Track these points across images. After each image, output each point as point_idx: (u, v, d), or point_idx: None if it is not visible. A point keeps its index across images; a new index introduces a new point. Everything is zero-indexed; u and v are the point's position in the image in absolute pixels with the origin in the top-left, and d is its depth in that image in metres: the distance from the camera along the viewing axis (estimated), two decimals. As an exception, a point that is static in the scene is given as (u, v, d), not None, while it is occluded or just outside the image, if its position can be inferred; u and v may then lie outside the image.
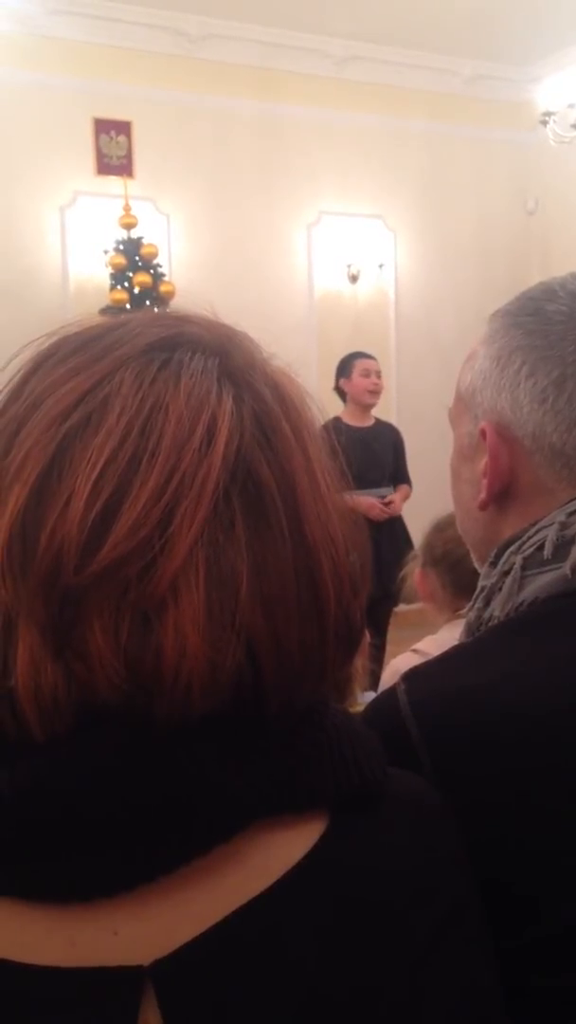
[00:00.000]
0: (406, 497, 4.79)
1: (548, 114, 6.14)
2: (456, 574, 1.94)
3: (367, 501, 4.43)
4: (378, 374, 4.76)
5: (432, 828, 0.59)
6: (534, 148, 6.93)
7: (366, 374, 4.70)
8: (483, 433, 0.84)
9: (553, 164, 6.79)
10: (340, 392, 4.76)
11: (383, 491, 4.68)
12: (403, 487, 4.83)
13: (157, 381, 0.52)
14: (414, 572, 2.11)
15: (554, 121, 6.09)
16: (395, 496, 4.71)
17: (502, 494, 0.85)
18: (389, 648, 4.26)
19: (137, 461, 0.49)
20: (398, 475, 4.85)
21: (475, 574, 0.89)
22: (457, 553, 1.90)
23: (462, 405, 0.90)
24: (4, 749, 0.50)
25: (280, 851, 0.53)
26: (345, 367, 4.76)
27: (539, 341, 0.81)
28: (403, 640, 2.84)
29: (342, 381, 4.75)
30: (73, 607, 0.48)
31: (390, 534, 4.51)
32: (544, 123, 6.16)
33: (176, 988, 0.48)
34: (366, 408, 4.76)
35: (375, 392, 4.75)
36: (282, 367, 0.59)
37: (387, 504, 4.60)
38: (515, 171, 7.13)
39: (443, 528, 2.00)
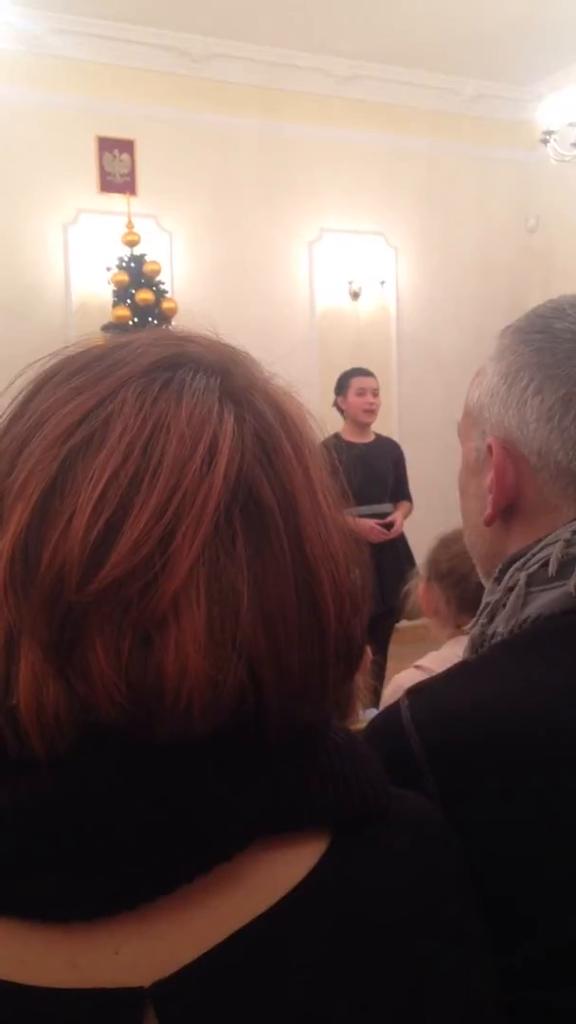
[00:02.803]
0: (407, 514, 4.77)
1: (549, 133, 6.15)
2: (461, 590, 1.94)
3: (366, 524, 4.41)
4: (374, 392, 4.73)
5: (434, 847, 0.59)
6: (535, 166, 6.95)
7: (361, 393, 4.69)
8: (490, 449, 0.85)
9: (554, 182, 6.82)
10: (338, 409, 4.77)
11: (384, 507, 4.66)
12: (404, 504, 4.81)
13: (159, 401, 0.52)
14: (418, 587, 2.11)
15: (555, 140, 6.10)
16: (396, 515, 4.69)
17: (507, 510, 0.85)
18: (390, 664, 4.25)
19: (139, 480, 0.49)
20: (399, 491, 4.84)
21: (480, 590, 0.89)
22: (463, 569, 1.90)
23: (470, 420, 0.90)
24: (5, 767, 0.49)
25: (281, 871, 0.53)
26: (341, 385, 4.75)
27: (547, 359, 0.82)
28: (403, 657, 2.83)
29: (339, 399, 4.75)
30: (75, 625, 0.48)
31: (392, 551, 4.50)
32: (545, 142, 6.17)
33: (177, 1009, 0.48)
34: (364, 425, 4.76)
35: (370, 411, 4.73)
36: (283, 386, 0.60)
37: (387, 526, 4.59)
38: (516, 189, 7.15)
39: (449, 543, 2.00)
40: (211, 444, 0.51)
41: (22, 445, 0.52)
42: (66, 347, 0.58)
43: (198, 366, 0.55)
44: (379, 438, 4.87)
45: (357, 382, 4.71)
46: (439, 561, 2.02)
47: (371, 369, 4.87)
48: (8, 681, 0.49)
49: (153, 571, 0.48)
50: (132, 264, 5.59)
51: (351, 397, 4.69)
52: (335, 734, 0.57)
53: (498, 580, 0.84)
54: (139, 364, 0.55)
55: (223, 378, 0.55)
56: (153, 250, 5.76)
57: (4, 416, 0.55)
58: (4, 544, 0.49)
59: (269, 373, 0.60)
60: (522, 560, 0.82)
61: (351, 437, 4.66)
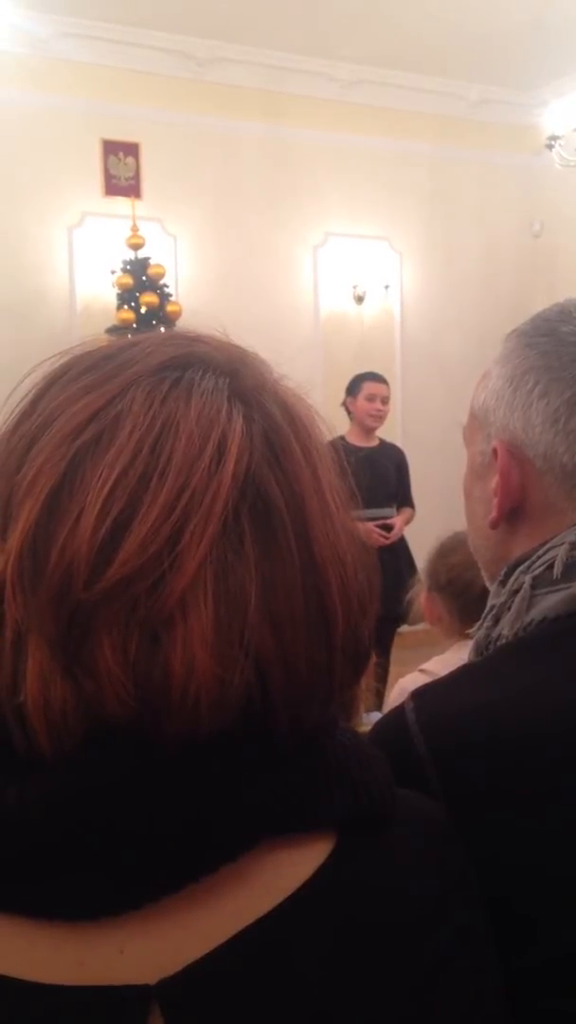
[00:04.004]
0: (408, 520, 4.78)
1: (554, 138, 6.16)
2: (462, 601, 1.93)
3: (366, 527, 4.41)
4: (384, 400, 4.75)
5: (440, 849, 0.59)
6: (540, 172, 6.96)
7: (371, 399, 4.70)
8: (495, 452, 0.85)
9: (558, 187, 6.82)
10: (346, 409, 4.78)
11: (385, 511, 4.67)
12: (406, 510, 4.82)
13: (168, 400, 0.53)
14: (420, 595, 2.11)
15: (559, 145, 6.11)
16: (396, 520, 4.70)
17: (512, 513, 0.85)
18: (392, 668, 4.25)
19: (147, 478, 0.50)
20: (401, 497, 4.84)
21: (481, 600, 0.89)
22: (463, 580, 1.90)
23: (475, 424, 0.90)
24: (13, 765, 0.50)
25: (287, 871, 0.53)
26: (353, 387, 4.77)
27: (553, 362, 0.82)
28: (406, 660, 2.83)
29: (348, 400, 4.76)
30: (82, 623, 0.48)
31: (392, 555, 4.50)
32: (550, 147, 6.19)
33: (182, 1007, 0.48)
34: (370, 430, 4.76)
35: (377, 418, 4.74)
36: (292, 388, 0.60)
37: (387, 529, 4.59)
38: (521, 194, 7.16)
39: (447, 554, 2.00)
40: (220, 443, 0.51)
41: (31, 443, 0.52)
42: (74, 347, 0.58)
43: (207, 366, 0.56)
44: (383, 443, 4.88)
45: (369, 387, 4.72)
46: (438, 572, 2.02)
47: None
48: (16, 678, 0.49)
49: (161, 569, 0.48)
50: (136, 267, 5.60)
51: (361, 401, 4.70)
52: (341, 735, 0.57)
53: (503, 583, 0.84)
54: (148, 363, 0.55)
55: (232, 378, 0.56)
56: (157, 253, 5.77)
57: (13, 414, 0.55)
58: (13, 541, 0.50)
59: (278, 374, 0.60)
60: (527, 563, 0.82)
61: (355, 440, 4.67)
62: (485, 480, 0.88)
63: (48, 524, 0.49)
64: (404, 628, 4.16)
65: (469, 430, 0.92)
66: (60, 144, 5.80)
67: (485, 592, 0.90)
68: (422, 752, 0.70)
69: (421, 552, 2.35)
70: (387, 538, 4.56)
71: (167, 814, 0.49)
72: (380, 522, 4.57)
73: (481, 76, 6.60)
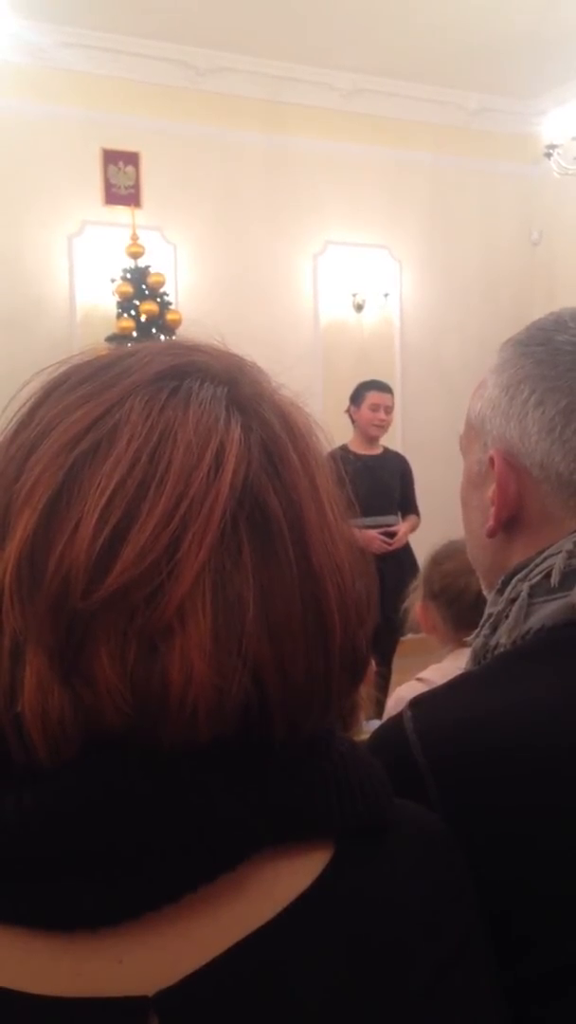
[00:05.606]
0: (413, 528, 4.78)
1: (552, 147, 6.18)
2: (455, 609, 1.93)
3: (368, 535, 4.42)
4: (387, 410, 4.77)
5: (439, 859, 0.58)
6: (538, 180, 6.98)
7: (375, 408, 4.72)
8: (492, 461, 0.85)
9: (557, 196, 6.84)
10: (350, 418, 4.79)
11: (389, 519, 4.67)
12: (411, 518, 4.83)
13: (166, 409, 0.53)
14: (415, 604, 2.11)
15: (558, 154, 6.14)
16: (400, 527, 4.70)
17: (510, 522, 0.85)
18: (394, 677, 4.24)
19: (145, 487, 0.50)
20: (406, 505, 4.85)
21: (474, 608, 0.89)
22: (455, 588, 1.90)
23: (472, 433, 0.90)
24: (10, 774, 0.49)
25: (285, 881, 0.52)
26: (358, 395, 4.78)
27: (548, 371, 0.82)
28: (406, 668, 2.83)
29: (352, 409, 4.77)
30: (80, 632, 0.48)
31: (395, 563, 4.50)
32: (548, 156, 6.21)
33: (180, 1019, 0.47)
34: (372, 439, 4.77)
35: (380, 427, 4.76)
36: (290, 397, 0.60)
37: (390, 536, 4.60)
38: (520, 203, 7.18)
39: (441, 562, 2.00)
40: (217, 452, 0.51)
41: (29, 452, 0.52)
42: (73, 356, 0.58)
43: (205, 375, 0.56)
44: (387, 451, 4.89)
45: (373, 396, 4.73)
46: (432, 580, 2.02)
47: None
48: (13, 688, 0.49)
49: (159, 578, 0.48)
50: (136, 276, 5.62)
51: (364, 411, 4.72)
52: (339, 744, 0.57)
53: (500, 592, 0.84)
54: (146, 373, 0.55)
55: (230, 387, 0.56)
56: (157, 262, 5.79)
57: (12, 423, 0.55)
58: (10, 550, 0.50)
59: (276, 383, 0.60)
60: (524, 572, 0.82)
61: (358, 449, 4.69)
62: (482, 489, 0.88)
63: (46, 533, 0.49)
64: (405, 636, 4.15)
65: (466, 439, 0.92)
66: (60, 153, 5.83)
67: (478, 599, 0.90)
68: (420, 761, 0.70)
69: (423, 559, 2.35)
70: (390, 544, 4.56)
71: (165, 823, 0.49)
72: (383, 529, 4.58)
73: (480, 85, 6.63)
